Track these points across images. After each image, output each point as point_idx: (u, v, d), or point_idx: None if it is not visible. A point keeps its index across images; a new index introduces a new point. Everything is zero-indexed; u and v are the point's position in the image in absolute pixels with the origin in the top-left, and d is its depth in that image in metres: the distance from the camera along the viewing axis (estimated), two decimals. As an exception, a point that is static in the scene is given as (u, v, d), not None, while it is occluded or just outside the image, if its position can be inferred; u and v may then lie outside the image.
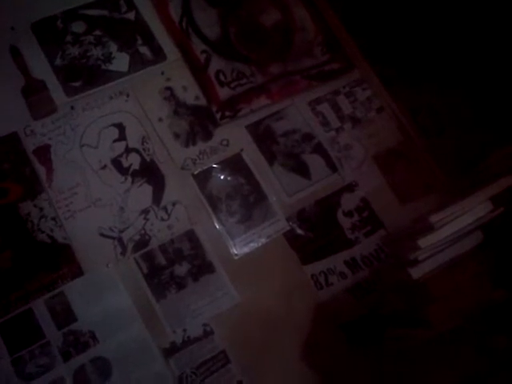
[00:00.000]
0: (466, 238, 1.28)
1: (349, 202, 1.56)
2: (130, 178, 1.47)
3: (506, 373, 1.12)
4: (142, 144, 1.51)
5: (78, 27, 1.58)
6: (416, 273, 1.25)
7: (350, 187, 1.57)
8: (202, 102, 1.58)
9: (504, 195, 1.27)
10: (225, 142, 1.56)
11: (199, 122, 1.56)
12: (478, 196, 1.28)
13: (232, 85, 1.61)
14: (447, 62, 1.49)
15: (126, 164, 1.48)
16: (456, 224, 1.25)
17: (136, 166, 1.49)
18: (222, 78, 1.61)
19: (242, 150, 1.56)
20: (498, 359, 1.12)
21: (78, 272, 1.36)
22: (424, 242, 1.24)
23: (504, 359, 1.12)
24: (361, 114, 1.66)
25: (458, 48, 1.46)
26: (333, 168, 1.59)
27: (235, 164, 1.54)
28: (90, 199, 1.43)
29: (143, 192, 1.46)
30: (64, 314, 1.31)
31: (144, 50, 1.60)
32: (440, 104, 1.55)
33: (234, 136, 1.57)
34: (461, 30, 1.42)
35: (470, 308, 1.18)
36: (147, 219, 1.44)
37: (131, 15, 1.63)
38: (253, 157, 1.56)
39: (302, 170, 1.58)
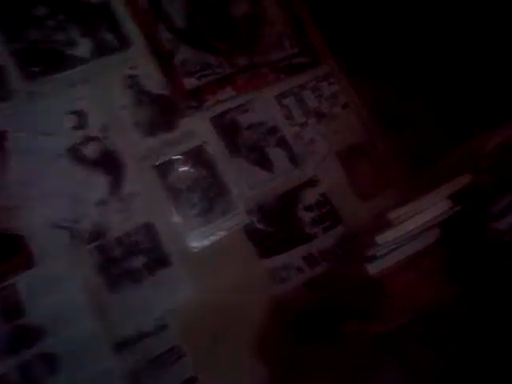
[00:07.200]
0: (423, 234, 1.28)
1: (309, 196, 1.55)
2: (88, 168, 1.43)
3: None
4: (103, 132, 1.47)
5: (41, 10, 1.52)
6: (373, 269, 1.25)
7: (312, 182, 1.57)
8: (167, 91, 1.54)
9: (462, 193, 1.27)
10: (188, 133, 1.53)
11: (163, 112, 1.53)
12: (437, 194, 1.28)
13: (198, 75, 1.58)
14: (408, 61, 1.50)
15: (85, 153, 1.44)
16: (414, 221, 1.25)
17: (95, 155, 1.45)
18: (188, 67, 1.59)
19: (205, 141, 1.54)
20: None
21: (29, 264, 1.31)
22: (382, 238, 1.23)
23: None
24: (326, 109, 1.65)
25: (419, 49, 1.46)
26: (295, 162, 1.58)
27: (198, 156, 1.52)
28: (45, 189, 1.38)
29: (101, 182, 1.43)
30: (14, 307, 1.27)
31: (108, 36, 1.56)
32: (400, 102, 1.55)
33: (198, 127, 1.54)
34: (427, 31, 1.42)
35: (424, 304, 1.18)
36: (104, 210, 1.40)
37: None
38: (216, 149, 1.54)
39: (265, 163, 1.56)
